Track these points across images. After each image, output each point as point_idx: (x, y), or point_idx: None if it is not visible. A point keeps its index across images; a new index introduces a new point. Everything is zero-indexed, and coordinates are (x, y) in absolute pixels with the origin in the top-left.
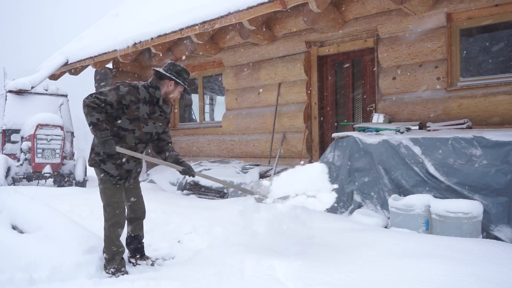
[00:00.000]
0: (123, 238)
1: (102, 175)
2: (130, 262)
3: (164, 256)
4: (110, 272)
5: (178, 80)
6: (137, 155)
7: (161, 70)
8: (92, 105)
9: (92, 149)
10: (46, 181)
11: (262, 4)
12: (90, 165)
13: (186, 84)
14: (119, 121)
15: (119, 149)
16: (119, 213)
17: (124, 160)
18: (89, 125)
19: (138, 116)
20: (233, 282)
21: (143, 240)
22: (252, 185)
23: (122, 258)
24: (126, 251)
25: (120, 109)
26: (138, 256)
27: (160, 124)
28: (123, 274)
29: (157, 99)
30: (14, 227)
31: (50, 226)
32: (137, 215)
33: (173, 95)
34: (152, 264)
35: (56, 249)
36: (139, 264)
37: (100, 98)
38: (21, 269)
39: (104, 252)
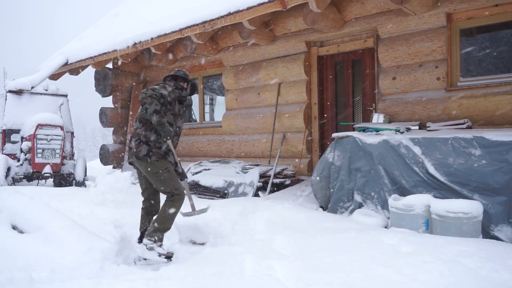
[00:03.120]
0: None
1: (164, 163)
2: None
3: (195, 240)
4: (153, 240)
5: (189, 79)
6: (172, 147)
7: (177, 74)
8: (154, 96)
9: (147, 144)
10: (46, 181)
11: (262, 4)
12: (157, 158)
13: (194, 84)
14: (165, 116)
15: (169, 142)
16: (184, 197)
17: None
18: (153, 113)
19: (175, 112)
20: (233, 282)
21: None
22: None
23: (164, 234)
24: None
25: (165, 105)
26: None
27: (183, 121)
28: (161, 246)
29: (185, 98)
30: (14, 227)
31: (50, 226)
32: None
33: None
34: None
35: (56, 249)
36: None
37: (157, 93)
38: (21, 269)
39: (157, 221)
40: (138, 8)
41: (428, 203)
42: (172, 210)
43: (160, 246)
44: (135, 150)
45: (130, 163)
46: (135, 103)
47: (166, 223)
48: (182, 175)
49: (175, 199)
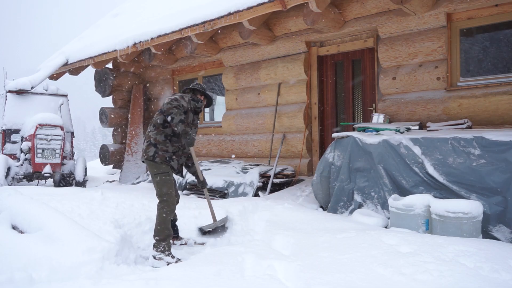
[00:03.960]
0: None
1: (164, 168)
2: None
3: (195, 240)
4: (159, 251)
5: (207, 93)
6: (193, 154)
7: (195, 87)
8: (179, 107)
9: (155, 146)
10: (46, 181)
11: (262, 4)
12: (160, 161)
13: (210, 98)
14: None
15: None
16: (174, 202)
17: (181, 157)
18: (179, 122)
19: (188, 122)
20: (233, 282)
21: (176, 223)
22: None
23: (169, 241)
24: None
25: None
26: (175, 236)
27: (196, 130)
28: (170, 256)
29: (200, 109)
30: (14, 227)
31: (50, 226)
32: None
33: (202, 108)
34: (185, 243)
35: (56, 249)
36: (175, 244)
37: (180, 104)
38: (21, 269)
39: (156, 234)
40: (138, 8)
41: (428, 203)
42: (161, 218)
43: (169, 255)
44: (144, 150)
45: (143, 162)
46: (135, 103)
47: (163, 233)
48: (203, 184)
49: (163, 206)
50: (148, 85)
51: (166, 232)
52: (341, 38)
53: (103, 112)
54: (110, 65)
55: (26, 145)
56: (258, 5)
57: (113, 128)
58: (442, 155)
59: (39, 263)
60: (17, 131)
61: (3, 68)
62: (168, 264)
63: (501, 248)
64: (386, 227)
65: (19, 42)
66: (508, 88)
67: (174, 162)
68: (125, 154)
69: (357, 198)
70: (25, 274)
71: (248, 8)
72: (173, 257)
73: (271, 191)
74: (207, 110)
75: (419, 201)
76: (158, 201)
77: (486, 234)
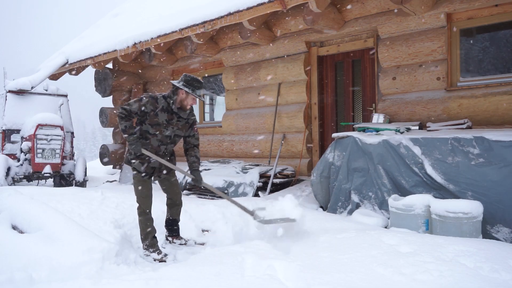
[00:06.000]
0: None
1: (134, 172)
2: (167, 240)
3: (195, 240)
4: (144, 247)
5: (186, 89)
6: (157, 158)
7: (174, 82)
8: (121, 115)
9: (127, 149)
10: (46, 181)
11: (262, 4)
12: (125, 162)
13: (195, 92)
14: (143, 127)
15: (144, 151)
16: (144, 204)
17: (148, 158)
18: (121, 131)
19: (158, 122)
20: (233, 282)
21: (179, 224)
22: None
23: (154, 237)
24: (164, 231)
25: (143, 116)
26: (174, 235)
27: (178, 128)
28: (156, 252)
29: (170, 107)
30: (14, 227)
31: (50, 226)
32: (174, 202)
33: (187, 102)
34: (185, 244)
35: (56, 249)
36: (175, 243)
37: (126, 109)
38: (21, 269)
39: (140, 233)
40: (138, 8)
41: (428, 203)
42: (138, 220)
43: (154, 251)
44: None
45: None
46: None
47: (142, 232)
48: (198, 182)
49: (137, 207)
50: (148, 85)
51: (145, 232)
52: (341, 38)
53: (103, 112)
54: (110, 65)
55: (26, 145)
56: (258, 5)
57: (113, 128)
58: (442, 155)
59: (39, 263)
60: (17, 131)
61: (3, 68)
62: (154, 260)
63: (501, 248)
64: (386, 227)
65: (19, 42)
66: (508, 88)
67: (136, 163)
68: (125, 154)
69: (355, 198)
70: (25, 274)
71: (248, 8)
72: (159, 253)
73: (271, 191)
74: (207, 110)
75: (419, 201)
76: None
77: (486, 234)
